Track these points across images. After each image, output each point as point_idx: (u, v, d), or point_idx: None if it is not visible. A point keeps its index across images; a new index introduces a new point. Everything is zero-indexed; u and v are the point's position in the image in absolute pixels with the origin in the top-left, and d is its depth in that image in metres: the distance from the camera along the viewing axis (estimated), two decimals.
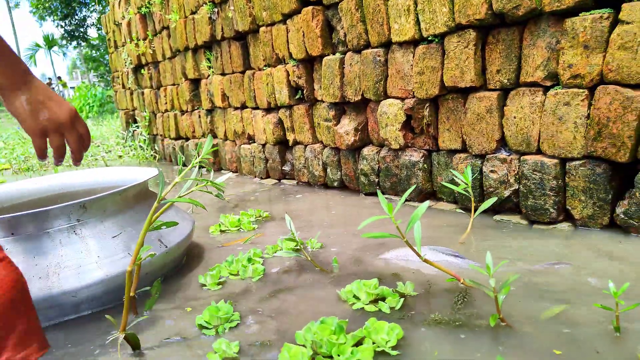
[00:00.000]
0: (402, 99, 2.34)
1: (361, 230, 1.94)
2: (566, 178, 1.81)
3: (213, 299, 1.45)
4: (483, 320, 1.17)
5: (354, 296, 1.35)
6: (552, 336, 1.08)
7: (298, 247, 1.74)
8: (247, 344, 1.19)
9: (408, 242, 1.16)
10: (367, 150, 2.64)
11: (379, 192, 1.29)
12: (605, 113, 1.65)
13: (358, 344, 1.09)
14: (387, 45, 2.37)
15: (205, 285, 1.59)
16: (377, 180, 2.60)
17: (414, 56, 2.21)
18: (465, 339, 1.10)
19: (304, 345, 1.08)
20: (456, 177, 1.86)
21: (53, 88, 23.53)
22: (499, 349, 1.04)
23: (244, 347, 1.17)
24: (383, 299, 1.32)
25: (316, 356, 1.05)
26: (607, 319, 1.12)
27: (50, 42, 25.14)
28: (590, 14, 1.63)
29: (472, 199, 1.93)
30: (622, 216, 1.69)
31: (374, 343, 1.08)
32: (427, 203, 1.19)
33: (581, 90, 1.71)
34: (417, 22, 2.14)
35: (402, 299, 1.31)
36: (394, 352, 1.05)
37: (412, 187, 1.43)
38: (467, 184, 1.83)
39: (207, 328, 1.29)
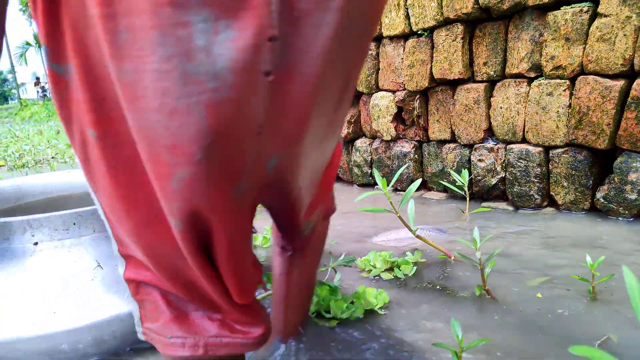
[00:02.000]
0: (393, 92, 2.42)
1: (357, 222, 2.01)
2: (549, 165, 1.89)
3: None
4: (468, 290, 1.25)
5: (371, 264, 1.45)
6: (534, 301, 1.16)
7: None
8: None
9: (401, 217, 1.23)
10: (360, 142, 2.71)
11: (375, 170, 1.36)
12: (585, 102, 1.73)
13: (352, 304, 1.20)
14: (378, 39, 2.44)
15: None
16: (369, 171, 2.68)
17: (404, 50, 2.29)
18: (447, 301, 1.18)
19: None
20: (454, 177, 2.02)
21: (43, 87, 23.31)
22: (479, 314, 1.12)
23: None
24: (398, 267, 1.42)
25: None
26: (584, 287, 1.21)
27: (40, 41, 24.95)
28: (571, 7, 1.72)
29: (467, 195, 2.03)
30: (602, 200, 1.78)
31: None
32: (418, 181, 1.27)
33: (563, 80, 1.79)
34: (407, 17, 2.21)
35: (415, 267, 1.40)
36: (382, 312, 1.15)
37: (405, 166, 1.50)
38: (463, 183, 1.99)
39: None
